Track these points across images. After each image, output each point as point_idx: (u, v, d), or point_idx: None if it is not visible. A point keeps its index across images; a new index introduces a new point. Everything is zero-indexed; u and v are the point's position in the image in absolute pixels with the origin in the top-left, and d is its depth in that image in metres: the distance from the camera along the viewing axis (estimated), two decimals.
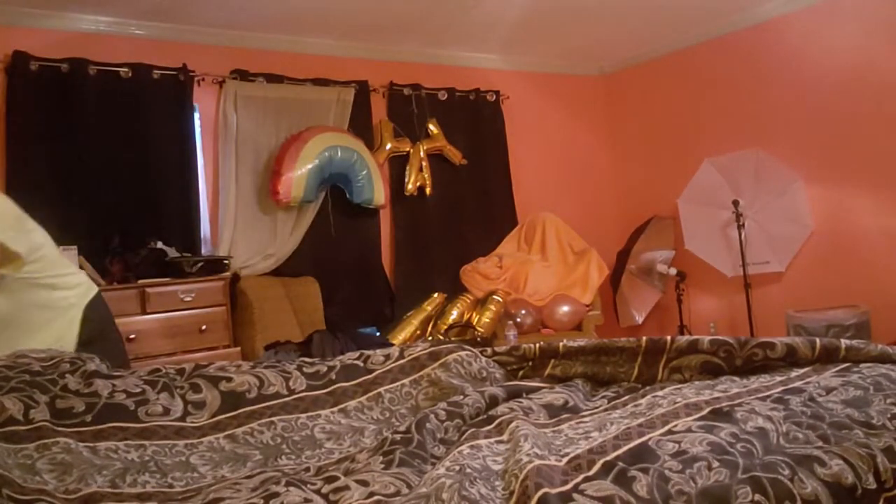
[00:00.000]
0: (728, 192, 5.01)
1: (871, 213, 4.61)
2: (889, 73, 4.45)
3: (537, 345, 1.85)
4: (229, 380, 1.66)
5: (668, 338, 1.71)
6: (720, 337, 1.68)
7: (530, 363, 1.83)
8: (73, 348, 2.21)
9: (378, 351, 1.84)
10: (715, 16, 5.12)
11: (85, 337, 2.30)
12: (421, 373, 1.75)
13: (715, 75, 5.42)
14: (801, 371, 1.53)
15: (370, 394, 1.69)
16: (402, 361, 1.79)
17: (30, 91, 4.00)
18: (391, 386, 1.72)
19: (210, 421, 1.55)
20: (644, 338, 1.75)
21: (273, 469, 1.41)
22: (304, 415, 1.61)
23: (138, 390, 1.58)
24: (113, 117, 4.23)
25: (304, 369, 1.75)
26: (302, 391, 1.68)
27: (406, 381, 1.74)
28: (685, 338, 1.70)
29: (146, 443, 1.44)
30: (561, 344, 1.82)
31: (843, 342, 1.60)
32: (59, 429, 1.42)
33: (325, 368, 1.76)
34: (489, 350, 1.90)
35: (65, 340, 2.23)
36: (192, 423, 1.53)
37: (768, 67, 5.07)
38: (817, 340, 1.61)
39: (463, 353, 1.80)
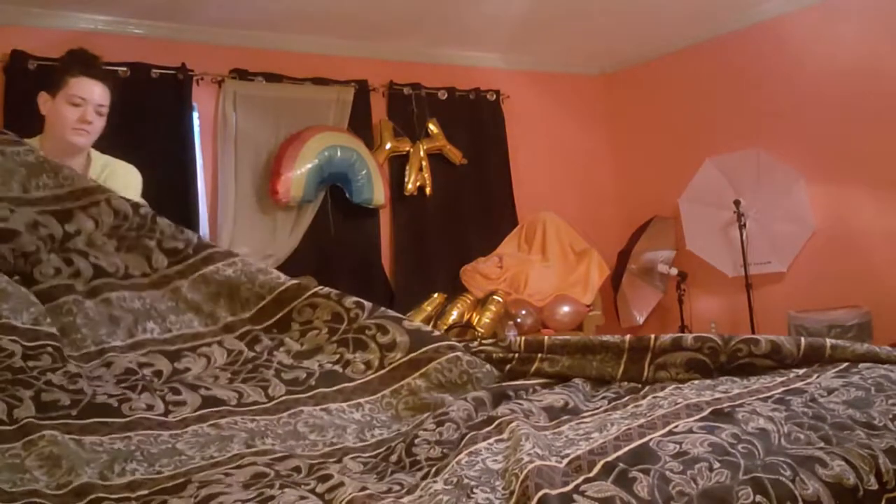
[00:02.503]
0: (729, 192, 4.99)
1: (873, 213, 4.60)
2: (891, 72, 4.44)
3: (522, 338, 1.89)
4: (208, 389, 1.67)
5: (652, 336, 1.74)
6: (703, 334, 1.69)
7: (516, 355, 1.86)
8: None
9: (357, 357, 1.84)
10: (715, 15, 5.11)
11: None
12: (401, 383, 1.77)
13: (716, 75, 5.41)
14: (802, 371, 1.54)
15: (350, 402, 1.72)
16: (381, 372, 1.80)
17: (28, 90, 3.98)
18: (372, 398, 1.74)
19: (193, 414, 1.58)
20: (628, 336, 1.78)
21: (264, 461, 1.38)
22: (285, 413, 1.64)
23: (119, 392, 1.59)
24: (111, 117, 4.19)
25: (283, 375, 1.77)
26: (282, 396, 1.70)
27: (386, 391, 1.76)
28: (668, 336, 1.72)
29: (131, 434, 1.45)
30: (546, 338, 1.84)
31: (829, 341, 1.62)
32: (45, 422, 1.41)
33: (304, 375, 1.77)
34: (476, 342, 1.92)
35: None
36: (175, 418, 1.55)
37: (769, 67, 5.06)
38: (802, 339, 1.63)
39: (443, 360, 1.80)
